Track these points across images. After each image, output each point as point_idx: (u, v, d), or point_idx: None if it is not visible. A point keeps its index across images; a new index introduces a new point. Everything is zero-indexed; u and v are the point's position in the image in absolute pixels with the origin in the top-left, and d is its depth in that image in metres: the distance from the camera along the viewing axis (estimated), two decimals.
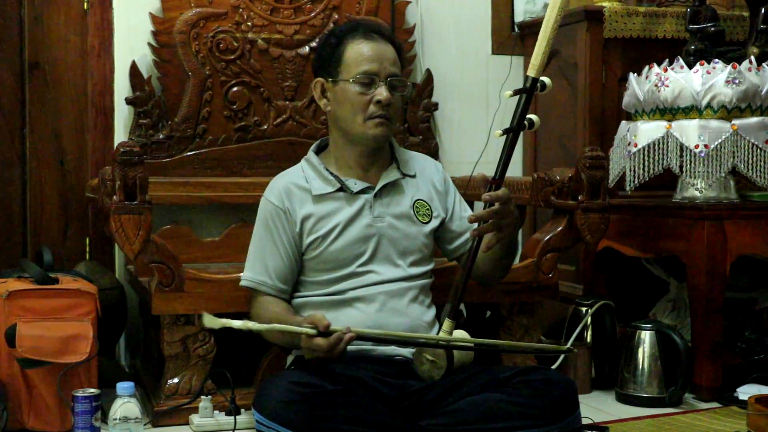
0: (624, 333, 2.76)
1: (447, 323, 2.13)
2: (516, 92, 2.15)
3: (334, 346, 1.98)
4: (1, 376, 2.30)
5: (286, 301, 2.25)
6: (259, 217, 2.29)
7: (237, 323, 1.95)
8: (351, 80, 2.20)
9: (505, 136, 2.14)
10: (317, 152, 2.35)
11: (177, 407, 2.40)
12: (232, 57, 3.09)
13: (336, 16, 3.18)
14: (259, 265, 2.25)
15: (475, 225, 2.17)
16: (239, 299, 2.33)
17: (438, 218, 2.33)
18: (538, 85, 2.12)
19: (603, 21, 3.06)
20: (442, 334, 2.13)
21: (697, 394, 2.68)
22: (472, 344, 2.15)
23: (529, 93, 2.12)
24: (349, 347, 2.16)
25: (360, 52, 2.22)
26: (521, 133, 2.19)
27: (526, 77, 2.14)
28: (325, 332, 1.98)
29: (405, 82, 2.27)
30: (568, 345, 2.76)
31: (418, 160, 2.40)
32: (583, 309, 2.85)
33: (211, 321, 1.96)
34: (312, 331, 1.98)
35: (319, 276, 2.25)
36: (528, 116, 2.14)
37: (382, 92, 2.19)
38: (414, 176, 2.34)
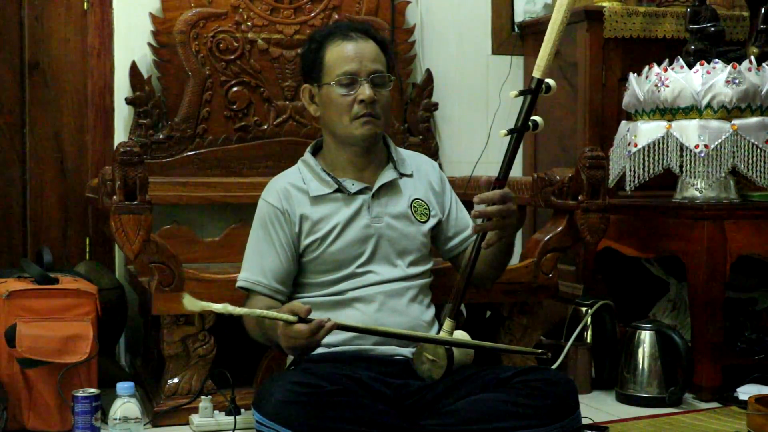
0: (624, 333, 2.76)
1: (447, 323, 2.13)
2: (521, 93, 2.15)
3: (315, 332, 1.94)
4: (1, 376, 2.30)
5: (280, 303, 2.23)
6: (257, 218, 2.29)
7: (217, 306, 1.90)
8: (332, 83, 2.21)
9: (509, 136, 2.14)
10: (313, 153, 2.35)
11: (177, 407, 2.40)
12: (232, 57, 3.09)
13: (336, 16, 3.17)
14: (256, 266, 2.24)
15: (478, 222, 2.17)
16: (239, 299, 2.32)
17: (435, 217, 2.33)
18: (543, 86, 2.12)
19: (603, 21, 3.07)
20: (442, 334, 2.13)
21: (697, 394, 2.68)
22: (471, 343, 2.15)
23: (534, 94, 2.12)
24: (349, 347, 2.17)
25: (339, 54, 2.22)
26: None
27: (531, 78, 2.14)
28: (305, 319, 1.94)
29: (388, 77, 2.26)
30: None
31: (414, 160, 2.40)
32: (583, 309, 2.85)
33: (191, 303, 1.91)
34: (292, 318, 1.93)
35: (319, 277, 2.25)
36: (532, 117, 2.13)
37: (364, 91, 2.19)
38: (411, 175, 2.34)
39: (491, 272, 2.32)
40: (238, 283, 2.26)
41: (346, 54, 2.21)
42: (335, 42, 2.23)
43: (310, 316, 1.94)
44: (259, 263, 2.24)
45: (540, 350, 2.22)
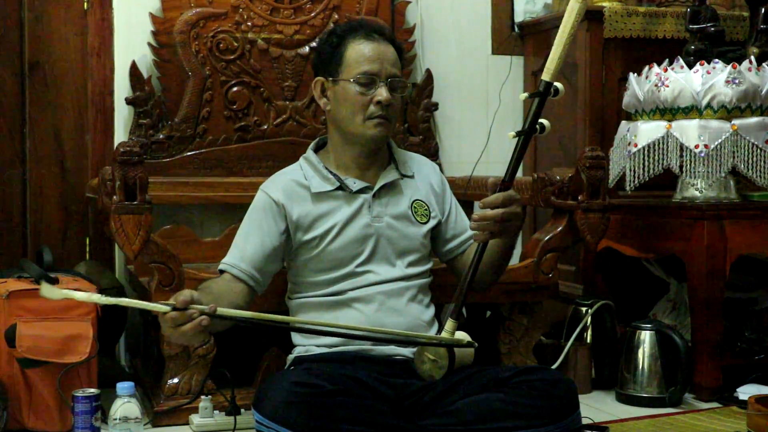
0: (624, 333, 2.76)
1: (449, 323, 2.12)
2: (531, 96, 2.15)
3: (180, 322, 1.83)
4: (1, 376, 2.30)
5: (251, 288, 2.19)
6: (251, 207, 2.29)
7: (80, 295, 1.79)
8: (351, 80, 2.20)
9: (516, 138, 2.14)
10: (315, 150, 2.35)
11: (177, 407, 2.40)
12: (232, 57, 3.09)
13: (336, 16, 3.17)
14: (237, 250, 2.23)
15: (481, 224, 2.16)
16: None
17: (435, 218, 2.33)
18: (552, 90, 2.12)
19: (603, 21, 3.07)
20: (444, 335, 2.12)
21: (697, 394, 2.68)
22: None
23: (543, 97, 2.12)
24: (349, 347, 2.17)
25: (361, 52, 2.22)
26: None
27: (539, 81, 2.14)
28: (181, 309, 1.84)
29: (405, 83, 2.27)
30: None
31: (416, 161, 2.40)
32: (583, 309, 2.85)
33: (50, 291, 1.79)
34: (164, 309, 1.83)
35: (318, 276, 2.25)
36: (539, 120, 2.13)
37: (382, 92, 2.19)
38: (412, 177, 2.34)
39: (491, 274, 2.31)
40: (219, 266, 2.24)
41: (368, 53, 2.21)
42: (358, 40, 2.23)
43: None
44: (241, 247, 2.23)
45: (466, 341, 2.13)
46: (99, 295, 1.80)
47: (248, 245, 2.22)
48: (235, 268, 2.20)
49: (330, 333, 2.09)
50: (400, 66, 2.27)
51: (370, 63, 2.20)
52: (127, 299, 1.84)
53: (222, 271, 2.23)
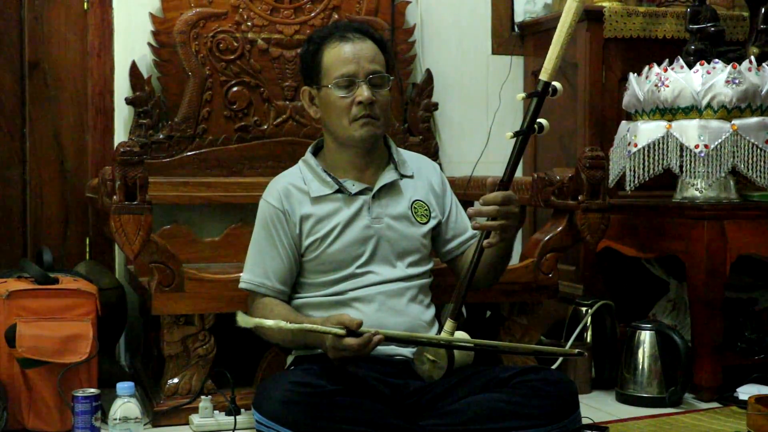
0: (624, 333, 2.76)
1: (449, 324, 2.13)
2: (529, 95, 2.15)
3: (364, 346, 1.96)
4: (1, 376, 2.30)
5: (285, 303, 2.25)
6: (258, 219, 2.29)
7: (269, 322, 1.95)
8: (330, 85, 2.21)
9: (514, 138, 2.14)
10: (314, 153, 2.35)
11: (177, 407, 2.40)
12: (232, 57, 3.09)
13: (336, 16, 3.17)
14: (259, 267, 2.24)
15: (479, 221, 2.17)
16: (239, 299, 2.32)
17: (435, 219, 2.33)
18: (550, 89, 2.12)
19: (603, 21, 3.06)
20: (443, 335, 2.13)
21: (697, 394, 2.68)
22: (491, 347, 2.17)
23: (541, 97, 2.12)
24: None
25: (336, 56, 2.22)
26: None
27: (537, 80, 2.14)
28: (355, 332, 1.96)
29: (387, 77, 2.25)
30: (568, 345, 2.77)
31: (415, 161, 2.40)
32: (583, 309, 2.85)
33: (244, 320, 1.95)
34: (342, 332, 1.96)
35: (319, 277, 2.25)
36: (537, 120, 2.13)
37: (362, 92, 2.19)
38: (412, 177, 2.34)
39: (490, 275, 2.31)
40: (242, 284, 2.26)
41: (343, 55, 2.21)
42: (332, 43, 2.23)
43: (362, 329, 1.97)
44: (261, 264, 2.24)
45: (576, 351, 2.22)
46: (285, 322, 1.96)
47: (269, 262, 2.23)
48: (263, 288, 2.23)
49: (490, 347, 2.13)
50: (383, 59, 2.25)
51: (346, 65, 2.20)
52: (309, 325, 1.99)
53: (248, 290, 2.25)
